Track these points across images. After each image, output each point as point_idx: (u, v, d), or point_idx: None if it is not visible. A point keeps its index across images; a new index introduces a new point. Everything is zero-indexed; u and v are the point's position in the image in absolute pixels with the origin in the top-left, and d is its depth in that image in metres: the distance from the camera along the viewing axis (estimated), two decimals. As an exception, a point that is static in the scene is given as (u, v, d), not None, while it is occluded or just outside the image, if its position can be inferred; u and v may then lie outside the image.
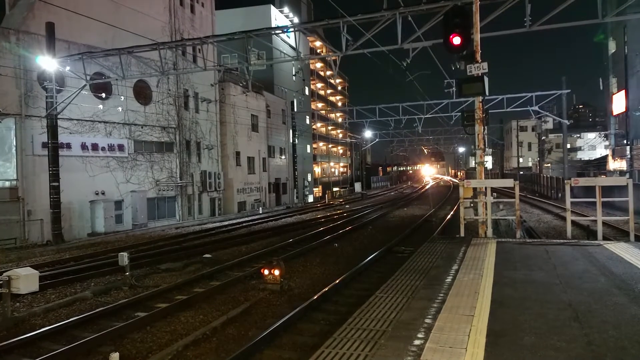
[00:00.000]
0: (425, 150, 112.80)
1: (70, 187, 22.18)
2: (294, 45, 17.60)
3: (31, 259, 15.85)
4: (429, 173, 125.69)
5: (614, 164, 37.87)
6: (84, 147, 23.77)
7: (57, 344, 7.51)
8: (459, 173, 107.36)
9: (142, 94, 27.44)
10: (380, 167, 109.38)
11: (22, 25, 21.58)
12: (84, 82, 20.63)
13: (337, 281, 10.38)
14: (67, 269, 13.40)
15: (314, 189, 59.02)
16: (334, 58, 18.18)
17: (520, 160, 78.37)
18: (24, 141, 21.28)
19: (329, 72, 70.28)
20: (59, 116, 20.93)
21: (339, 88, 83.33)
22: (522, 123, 77.38)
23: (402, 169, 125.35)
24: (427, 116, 38.83)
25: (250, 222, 25.74)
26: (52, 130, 20.55)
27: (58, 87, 20.68)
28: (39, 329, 8.01)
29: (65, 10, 18.95)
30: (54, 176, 20.52)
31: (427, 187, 70.21)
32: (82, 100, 22.38)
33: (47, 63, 20.07)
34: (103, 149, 24.79)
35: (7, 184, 21.15)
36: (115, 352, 6.78)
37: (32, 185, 21.47)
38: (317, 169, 65.68)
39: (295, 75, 52.34)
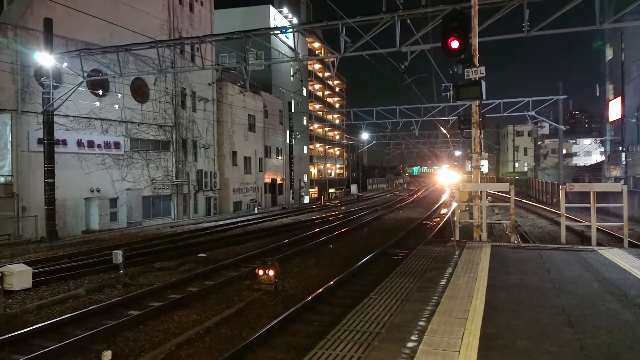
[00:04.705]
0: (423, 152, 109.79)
1: (65, 184, 22.07)
2: (292, 45, 17.60)
3: (25, 255, 15.78)
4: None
5: (609, 170, 38.05)
6: (79, 144, 23.67)
7: (49, 341, 7.47)
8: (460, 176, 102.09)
9: (140, 91, 27.36)
10: (377, 169, 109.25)
11: (20, 21, 21.48)
12: (81, 78, 20.56)
13: (332, 283, 10.38)
14: (61, 266, 13.36)
15: (310, 190, 58.99)
16: (332, 59, 18.20)
17: (516, 164, 78.57)
18: (19, 137, 21.18)
19: (327, 74, 70.32)
20: (55, 113, 20.83)
21: (337, 90, 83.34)
22: (518, 128, 77.67)
23: (400, 171, 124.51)
24: (424, 119, 38.91)
25: (246, 222, 25.72)
26: (48, 126, 20.46)
27: (55, 84, 20.58)
28: (32, 326, 7.98)
29: (64, 7, 18.89)
30: (49, 173, 20.43)
31: (423, 190, 70.34)
32: (78, 97, 22.31)
33: (45, 59, 19.98)
34: (99, 146, 24.69)
35: (2, 179, 21.02)
36: (108, 350, 6.77)
37: (27, 182, 21.36)
38: (314, 170, 65.66)
39: (293, 76, 52.36)
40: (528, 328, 4.87)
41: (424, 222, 25.00)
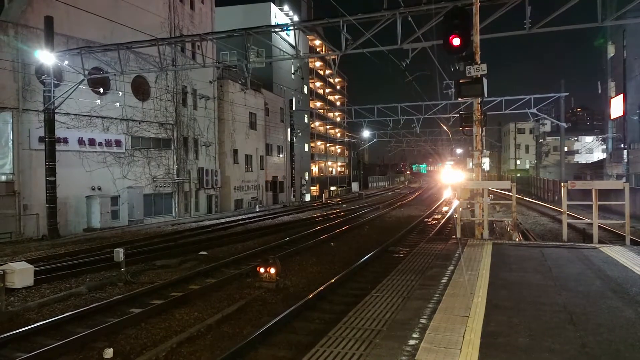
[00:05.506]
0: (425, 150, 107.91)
1: (66, 182, 22.08)
2: (293, 43, 17.56)
3: (26, 253, 15.80)
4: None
5: (611, 168, 37.99)
6: (81, 142, 23.68)
7: (51, 339, 7.48)
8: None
9: (141, 89, 27.36)
10: (378, 167, 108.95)
11: (20, 19, 21.47)
12: (82, 76, 20.56)
13: (333, 280, 10.38)
14: (62, 264, 13.37)
15: (312, 188, 58.98)
16: (333, 57, 18.16)
17: (518, 162, 78.46)
18: (21, 135, 21.19)
19: (328, 71, 70.20)
20: (56, 111, 20.83)
21: (338, 87, 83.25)
22: (520, 125, 77.46)
23: (400, 169, 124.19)
24: (425, 116, 38.85)
25: (247, 220, 25.73)
26: (50, 124, 20.47)
27: (56, 82, 20.59)
28: (33, 324, 7.99)
29: (65, 5, 18.88)
30: (51, 171, 20.44)
31: (424, 189, 70.30)
32: (79, 95, 22.31)
33: (46, 57, 19.97)
34: (100, 144, 24.71)
35: (4, 177, 21.05)
36: (110, 348, 6.78)
37: (28, 180, 21.39)
38: (315, 168, 65.64)
39: (294, 73, 52.35)
40: (529, 326, 4.86)
41: (426, 219, 24.99)
